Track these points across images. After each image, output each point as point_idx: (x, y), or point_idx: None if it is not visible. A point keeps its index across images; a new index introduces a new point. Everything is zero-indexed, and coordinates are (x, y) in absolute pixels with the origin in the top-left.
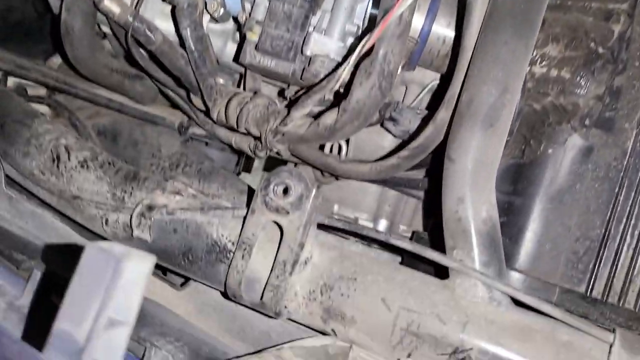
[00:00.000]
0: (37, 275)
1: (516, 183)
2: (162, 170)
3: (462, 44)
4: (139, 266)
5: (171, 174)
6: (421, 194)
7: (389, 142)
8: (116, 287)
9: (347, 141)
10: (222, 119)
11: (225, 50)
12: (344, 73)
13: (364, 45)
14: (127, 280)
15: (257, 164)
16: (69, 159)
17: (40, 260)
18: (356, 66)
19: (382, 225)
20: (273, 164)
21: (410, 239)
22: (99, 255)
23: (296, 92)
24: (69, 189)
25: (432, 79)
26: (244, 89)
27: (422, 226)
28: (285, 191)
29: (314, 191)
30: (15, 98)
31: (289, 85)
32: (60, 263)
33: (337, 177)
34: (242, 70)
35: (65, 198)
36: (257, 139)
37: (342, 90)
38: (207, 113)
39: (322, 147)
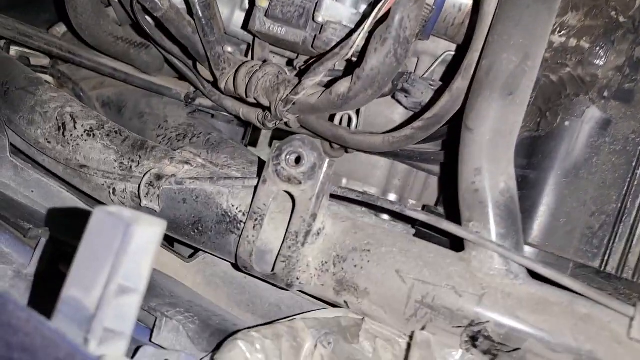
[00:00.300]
0: (44, 243)
1: (531, 156)
2: (169, 141)
3: (482, 8)
4: (149, 231)
5: (178, 145)
6: (431, 167)
7: (399, 115)
8: (126, 252)
9: (358, 112)
10: (230, 89)
11: (233, 18)
12: (358, 39)
13: (379, 10)
14: (138, 246)
15: (263, 139)
16: (74, 127)
17: (47, 229)
18: (370, 32)
19: (392, 198)
20: (279, 138)
21: None
22: (108, 219)
23: (306, 62)
24: (75, 157)
25: (445, 49)
26: (252, 59)
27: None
28: (298, 160)
29: (327, 160)
30: (19, 65)
31: (297, 55)
32: (68, 230)
33: (346, 150)
34: (250, 40)
35: (72, 167)
36: (267, 109)
37: (354, 58)
38: (214, 83)
39: (331, 119)
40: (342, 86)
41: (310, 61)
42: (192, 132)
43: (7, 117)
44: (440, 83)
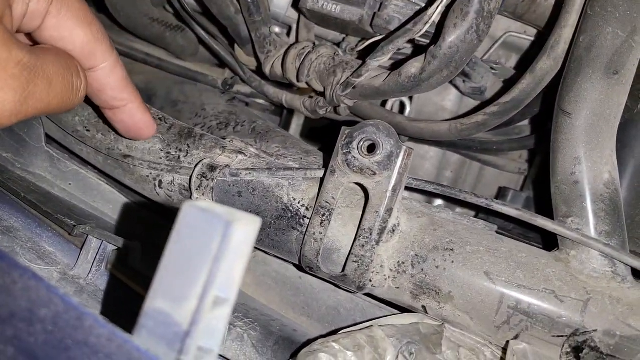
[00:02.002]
0: (91, 242)
1: None
2: (210, 130)
3: None
4: (247, 230)
5: (221, 134)
6: (487, 157)
7: (451, 102)
8: (225, 256)
9: (411, 98)
10: (276, 73)
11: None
12: (435, 13)
13: None
14: (235, 248)
15: (295, 127)
16: None
17: (94, 225)
18: (448, 6)
19: None
20: (310, 128)
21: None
22: (202, 217)
23: (357, 44)
24: (117, 147)
25: (505, 30)
26: (297, 40)
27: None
28: (371, 149)
29: (404, 148)
30: None
31: (344, 38)
32: (116, 228)
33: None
34: (291, 22)
35: (114, 157)
36: (320, 94)
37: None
38: (258, 68)
39: (383, 105)
40: (414, 67)
41: (365, 42)
42: (235, 120)
43: None
44: (501, 66)
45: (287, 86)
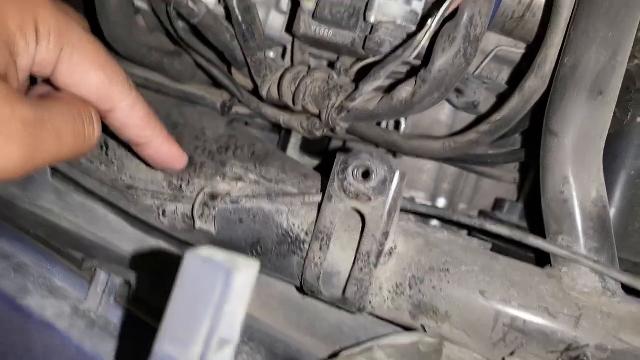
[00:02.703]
0: (100, 275)
1: None
2: (210, 154)
3: (558, 1)
4: (246, 275)
5: (221, 158)
6: (482, 169)
7: (446, 115)
8: (227, 302)
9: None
10: (273, 97)
11: (268, 21)
12: (424, 39)
13: (448, 7)
14: (236, 293)
15: (294, 141)
16: (118, 145)
17: (102, 260)
18: (437, 32)
19: (441, 204)
20: (308, 142)
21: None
22: (205, 266)
23: (352, 64)
24: (121, 178)
25: (495, 44)
26: (292, 62)
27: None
28: (366, 175)
29: (397, 174)
30: None
31: (338, 57)
32: (123, 261)
33: (394, 155)
34: (287, 42)
35: (118, 188)
36: (316, 116)
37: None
38: (254, 90)
39: (378, 124)
40: (405, 91)
41: (360, 64)
42: (235, 144)
43: None
44: (493, 81)
45: (284, 107)
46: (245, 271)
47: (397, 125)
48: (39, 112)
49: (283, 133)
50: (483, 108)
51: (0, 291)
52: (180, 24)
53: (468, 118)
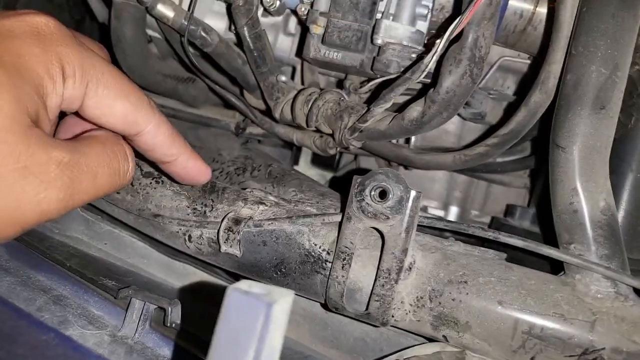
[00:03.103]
0: (135, 303)
1: None
2: (228, 176)
3: (558, 19)
4: (284, 305)
5: (239, 179)
6: (493, 176)
7: (454, 125)
8: (268, 332)
9: None
10: (285, 118)
11: (277, 43)
12: (431, 62)
13: (452, 30)
14: (276, 323)
15: (305, 155)
16: (142, 174)
17: (137, 288)
18: (443, 54)
19: (453, 212)
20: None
21: (489, 225)
22: (247, 300)
23: (361, 83)
24: (147, 207)
25: (499, 55)
26: (302, 82)
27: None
28: (383, 195)
29: (412, 193)
30: None
31: (346, 75)
32: (151, 285)
33: (406, 167)
34: (295, 63)
35: (144, 217)
36: (330, 135)
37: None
38: (267, 110)
39: None
40: (415, 111)
41: (368, 84)
42: (252, 165)
43: None
44: (498, 92)
45: (297, 126)
46: (282, 301)
47: (407, 139)
48: (74, 155)
49: (295, 148)
50: (490, 117)
51: (45, 324)
52: (192, 51)
53: (476, 127)
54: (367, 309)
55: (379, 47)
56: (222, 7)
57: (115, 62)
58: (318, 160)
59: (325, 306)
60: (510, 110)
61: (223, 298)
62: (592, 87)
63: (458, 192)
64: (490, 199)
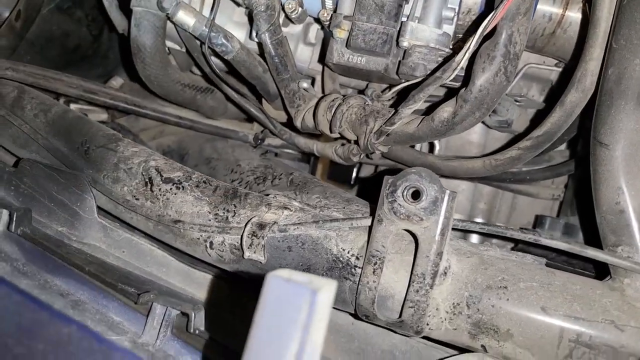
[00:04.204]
0: (156, 308)
1: None
2: (248, 185)
3: (594, 15)
4: (327, 294)
5: (259, 189)
6: (518, 187)
7: (477, 135)
8: (312, 324)
9: None
10: (307, 126)
11: (296, 54)
12: (463, 59)
13: (486, 26)
14: (320, 313)
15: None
16: (162, 180)
17: (157, 292)
18: (475, 51)
19: None
20: (335, 170)
21: None
22: (288, 288)
23: (383, 91)
24: (167, 213)
25: (524, 62)
26: (322, 91)
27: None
28: (416, 195)
29: (448, 192)
30: (93, 123)
31: (367, 84)
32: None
33: None
34: (315, 74)
35: (164, 223)
36: (349, 142)
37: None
38: (288, 121)
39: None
40: (446, 111)
41: (392, 89)
42: (272, 174)
43: (91, 178)
44: (526, 99)
45: (316, 136)
46: (326, 290)
47: (431, 147)
48: None
49: (312, 161)
50: (516, 126)
51: (85, 327)
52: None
53: (500, 136)
54: (400, 316)
55: (405, 51)
56: (243, 17)
57: (134, 71)
58: (334, 175)
59: (354, 315)
60: (538, 117)
61: (262, 286)
62: (637, 80)
63: (483, 204)
64: (517, 211)
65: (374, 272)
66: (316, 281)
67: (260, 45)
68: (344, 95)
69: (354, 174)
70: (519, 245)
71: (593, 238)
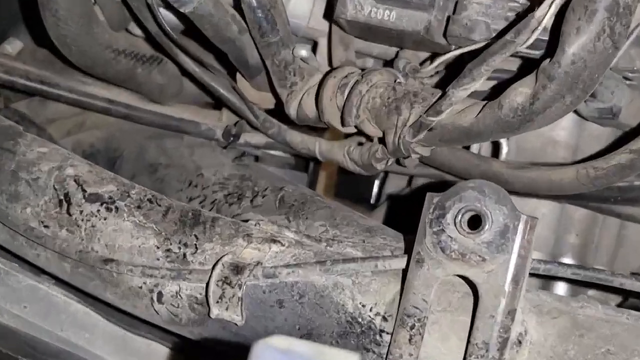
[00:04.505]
0: None
1: None
2: (216, 207)
3: None
4: None
5: (231, 211)
6: (629, 209)
7: (565, 132)
8: None
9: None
10: (306, 115)
11: (289, 6)
12: (547, 15)
13: None
14: None
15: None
16: (85, 198)
17: None
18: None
19: None
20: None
21: None
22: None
23: (421, 63)
24: (92, 247)
25: (637, 21)
26: (329, 62)
27: None
28: (475, 222)
29: (523, 218)
30: None
31: (397, 53)
32: None
33: None
34: (315, 36)
35: (89, 263)
36: (370, 139)
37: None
38: (276, 107)
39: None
40: (520, 94)
41: (439, 59)
42: (252, 189)
43: None
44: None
45: (319, 130)
46: None
47: (496, 150)
48: None
49: (311, 169)
50: (626, 119)
51: None
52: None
53: (601, 134)
54: None
55: (456, 2)
56: None
57: (42, 30)
58: (345, 190)
59: None
60: None
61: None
62: None
63: (574, 236)
64: (625, 247)
65: (410, 339)
66: (330, 354)
67: None
68: (362, 69)
69: (375, 189)
70: (629, 299)
71: None
